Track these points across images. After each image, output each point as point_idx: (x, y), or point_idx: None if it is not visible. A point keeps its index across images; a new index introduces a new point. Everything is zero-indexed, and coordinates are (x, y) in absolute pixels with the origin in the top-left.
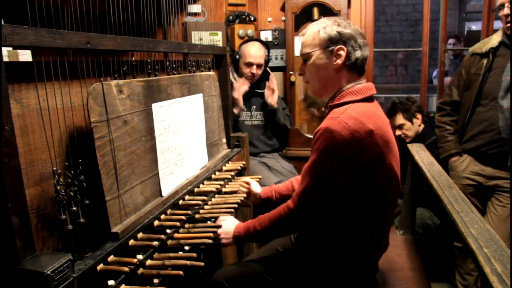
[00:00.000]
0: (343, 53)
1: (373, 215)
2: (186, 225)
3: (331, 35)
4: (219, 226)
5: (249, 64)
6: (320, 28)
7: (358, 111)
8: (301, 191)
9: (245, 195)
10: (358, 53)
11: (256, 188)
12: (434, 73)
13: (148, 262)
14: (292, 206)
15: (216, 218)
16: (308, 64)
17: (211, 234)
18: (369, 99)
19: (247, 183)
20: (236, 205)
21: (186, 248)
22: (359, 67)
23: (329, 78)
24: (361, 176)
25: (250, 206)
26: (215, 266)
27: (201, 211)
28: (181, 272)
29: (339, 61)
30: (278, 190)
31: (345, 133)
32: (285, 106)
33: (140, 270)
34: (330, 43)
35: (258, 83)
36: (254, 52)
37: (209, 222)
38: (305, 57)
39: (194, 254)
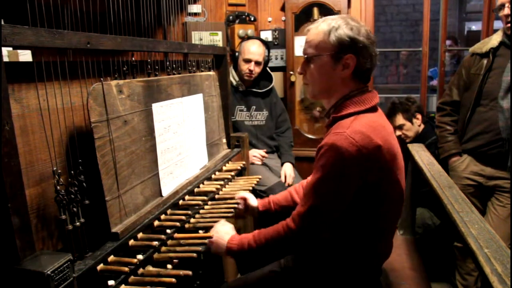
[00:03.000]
0: (352, 63)
1: (376, 229)
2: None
3: (343, 41)
4: (210, 237)
5: (248, 61)
6: (332, 29)
7: (364, 123)
8: (305, 211)
9: (239, 201)
10: (368, 64)
11: (253, 201)
12: (429, 73)
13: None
14: (294, 226)
15: (211, 226)
16: (311, 67)
17: (200, 248)
18: (373, 108)
19: (244, 198)
20: (236, 205)
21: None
22: (366, 77)
23: (332, 85)
24: (367, 192)
25: (246, 217)
26: (216, 276)
27: (201, 211)
28: (181, 272)
29: (346, 71)
30: (277, 201)
31: (352, 150)
32: (284, 109)
33: (140, 270)
34: (340, 50)
35: (257, 83)
36: (253, 49)
37: (200, 232)
38: (309, 58)
39: (194, 255)
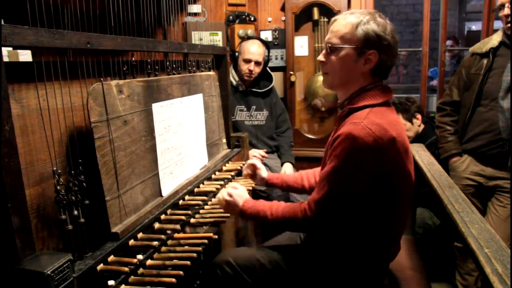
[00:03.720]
0: (374, 59)
1: (387, 221)
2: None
3: (369, 36)
4: (210, 237)
5: (247, 61)
6: (360, 22)
7: (380, 116)
8: (320, 198)
9: (251, 186)
10: (389, 62)
11: (263, 173)
12: (429, 73)
13: (149, 262)
14: (310, 214)
15: (213, 222)
16: (333, 57)
17: (203, 244)
18: (387, 103)
19: (253, 165)
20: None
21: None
22: (384, 74)
23: (351, 78)
24: (380, 183)
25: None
26: (214, 252)
27: (201, 211)
28: (181, 272)
29: (367, 66)
30: (286, 180)
31: (369, 140)
32: (284, 109)
33: (140, 270)
34: (364, 44)
35: (257, 83)
36: (253, 49)
37: (204, 227)
38: (333, 48)
39: (194, 255)
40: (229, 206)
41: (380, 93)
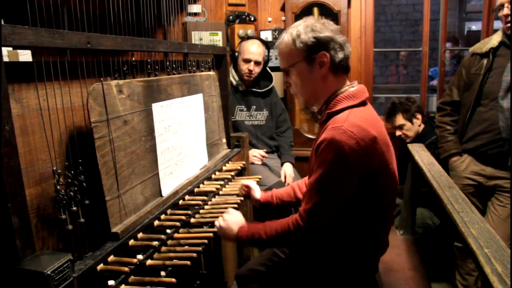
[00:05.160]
0: (326, 60)
1: (374, 217)
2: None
3: (308, 43)
4: (210, 237)
5: (247, 61)
6: (295, 37)
7: (359, 117)
8: (310, 208)
9: (242, 198)
10: (340, 54)
11: (257, 193)
12: (429, 73)
13: (149, 262)
14: (302, 224)
15: (213, 222)
16: (293, 78)
17: (206, 241)
18: (364, 102)
19: (247, 186)
20: (236, 205)
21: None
22: (344, 67)
23: (317, 87)
24: (366, 183)
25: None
26: (216, 276)
27: (201, 211)
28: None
29: (323, 69)
30: (279, 196)
31: (351, 143)
32: (284, 109)
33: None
34: (309, 52)
35: (257, 83)
36: (253, 49)
37: (204, 227)
38: (287, 71)
39: (194, 255)
40: (225, 232)
41: (355, 93)
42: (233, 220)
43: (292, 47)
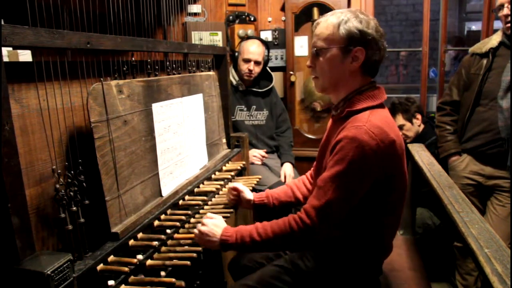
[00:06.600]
0: (361, 56)
1: (383, 220)
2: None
3: (352, 33)
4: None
5: (247, 60)
6: (341, 22)
7: (380, 119)
8: (322, 204)
9: (226, 202)
10: (376, 57)
11: (248, 194)
12: (430, 73)
13: (149, 262)
14: (309, 221)
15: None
16: (321, 60)
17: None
18: (382, 105)
19: (235, 189)
20: (232, 210)
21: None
22: (374, 70)
23: (341, 78)
24: (380, 185)
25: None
26: (216, 276)
27: (201, 211)
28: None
29: (355, 64)
30: (276, 196)
31: (372, 143)
32: (284, 109)
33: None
34: (349, 42)
35: (257, 83)
36: (252, 49)
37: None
38: (318, 51)
39: (194, 255)
40: (207, 238)
41: (375, 94)
42: (214, 223)
43: (334, 30)
